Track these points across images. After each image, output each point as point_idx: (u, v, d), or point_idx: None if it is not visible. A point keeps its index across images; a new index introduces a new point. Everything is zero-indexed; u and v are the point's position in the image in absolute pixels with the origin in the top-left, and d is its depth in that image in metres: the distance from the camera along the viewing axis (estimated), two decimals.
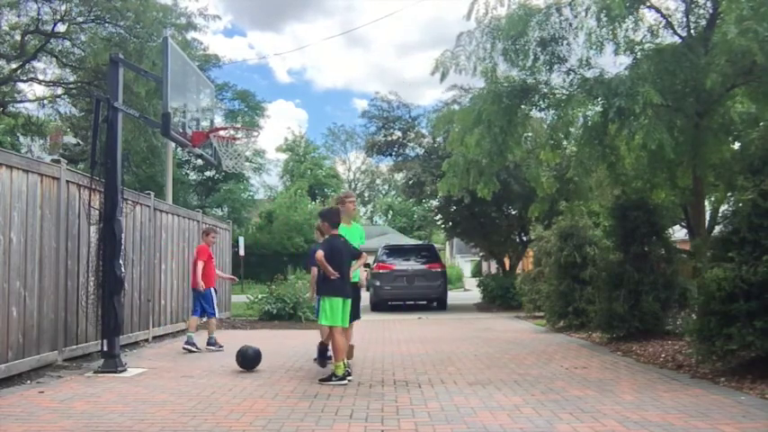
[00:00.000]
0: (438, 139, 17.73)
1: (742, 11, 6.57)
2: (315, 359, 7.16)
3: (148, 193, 10.29)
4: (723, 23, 6.90)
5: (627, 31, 8.14)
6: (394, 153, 20.28)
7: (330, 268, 6.19)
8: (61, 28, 17.53)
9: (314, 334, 11.44)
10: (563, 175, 11.39)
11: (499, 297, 18.01)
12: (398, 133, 19.99)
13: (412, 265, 17.84)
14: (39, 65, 18.88)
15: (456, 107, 12.80)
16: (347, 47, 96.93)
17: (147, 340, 9.75)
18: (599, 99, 7.83)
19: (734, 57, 6.69)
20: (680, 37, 8.41)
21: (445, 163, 10.28)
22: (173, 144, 18.19)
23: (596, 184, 10.81)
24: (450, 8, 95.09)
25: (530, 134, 10.15)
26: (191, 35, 19.69)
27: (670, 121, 7.55)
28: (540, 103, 9.16)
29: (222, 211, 37.70)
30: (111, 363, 7.02)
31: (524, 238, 19.21)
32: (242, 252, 25.13)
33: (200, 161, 34.02)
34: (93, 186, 7.53)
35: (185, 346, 8.79)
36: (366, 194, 65.77)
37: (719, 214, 9.27)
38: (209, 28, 19.61)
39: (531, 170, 9.90)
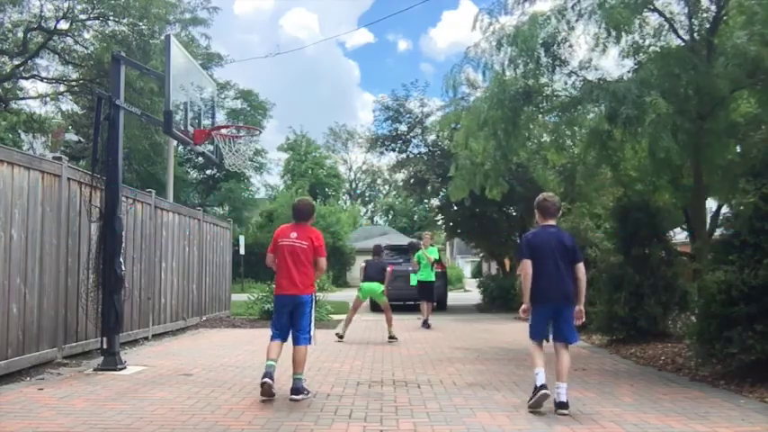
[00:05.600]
0: (440, 136, 17.68)
1: (754, 14, 6.57)
2: None
3: (149, 191, 10.29)
4: (731, 23, 6.90)
5: (631, 34, 8.14)
6: (397, 149, 20.19)
7: None
8: (64, 25, 17.56)
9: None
10: (568, 176, 11.40)
11: (499, 298, 18.00)
12: (404, 128, 19.88)
13: (412, 265, 17.82)
14: (41, 62, 18.94)
15: (464, 103, 12.80)
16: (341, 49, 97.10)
17: (146, 338, 9.74)
18: (603, 107, 7.83)
19: (742, 60, 6.69)
20: (683, 40, 8.40)
21: (453, 167, 10.27)
22: (174, 142, 18.24)
23: (599, 184, 10.81)
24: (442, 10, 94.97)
25: (535, 134, 10.14)
26: (198, 30, 19.76)
27: (674, 125, 7.55)
28: (543, 105, 9.16)
29: (223, 209, 37.67)
30: (111, 360, 7.02)
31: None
32: (242, 251, 25.13)
33: (201, 159, 34.06)
34: (95, 184, 7.53)
35: None
36: (367, 194, 65.73)
37: (720, 217, 9.27)
38: (213, 21, 19.45)
39: (538, 171, 9.94)
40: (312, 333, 5.73)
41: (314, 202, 6.22)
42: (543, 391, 4.93)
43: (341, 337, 10.19)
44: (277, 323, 5.75)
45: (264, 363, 5.59)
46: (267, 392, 5.43)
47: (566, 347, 5.12)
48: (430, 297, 12.90)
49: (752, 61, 6.63)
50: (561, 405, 4.90)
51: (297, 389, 5.53)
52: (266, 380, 5.38)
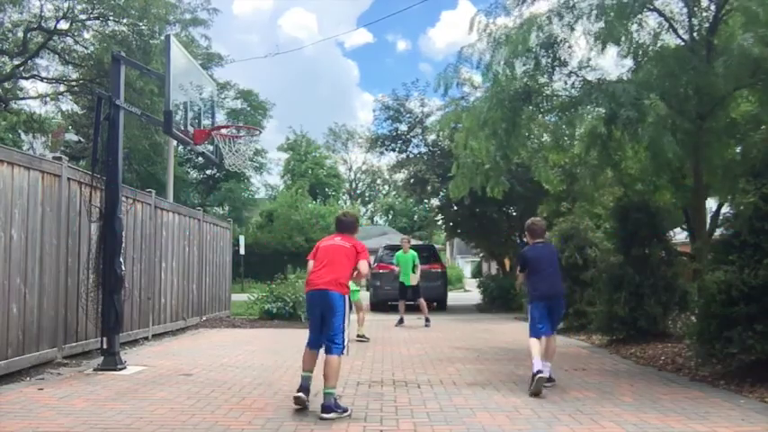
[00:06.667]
0: (441, 136, 17.64)
1: (756, 14, 6.56)
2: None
3: (149, 191, 10.29)
4: (730, 23, 6.89)
5: (630, 34, 8.14)
6: (397, 149, 20.15)
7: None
8: (64, 25, 17.56)
9: None
10: (569, 175, 11.42)
11: (499, 298, 18.00)
12: (404, 128, 19.82)
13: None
14: (41, 62, 18.93)
15: (464, 103, 12.81)
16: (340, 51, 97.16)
17: (146, 338, 9.74)
18: (602, 108, 7.83)
19: (745, 61, 6.68)
20: (682, 40, 8.40)
21: (454, 165, 10.27)
22: (174, 142, 18.25)
23: (600, 184, 10.82)
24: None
25: (535, 134, 10.14)
26: (198, 30, 19.77)
27: (673, 124, 7.55)
28: (543, 105, 9.16)
29: (223, 209, 37.69)
30: (111, 360, 7.02)
31: (525, 240, 19.17)
32: (242, 251, 25.13)
33: (201, 159, 34.06)
34: (95, 184, 7.54)
35: None
36: (367, 194, 65.69)
37: (720, 217, 9.28)
38: (213, 22, 19.47)
39: (540, 170, 9.96)
40: (346, 342, 5.16)
41: (358, 216, 5.90)
42: (539, 376, 5.75)
43: None
44: (311, 326, 5.33)
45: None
46: (299, 403, 5.06)
47: (553, 336, 6.33)
48: (407, 296, 13.24)
49: (754, 62, 6.63)
50: (548, 380, 6.00)
51: (327, 406, 4.89)
52: (300, 394, 5.03)
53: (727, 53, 6.83)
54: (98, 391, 5.82)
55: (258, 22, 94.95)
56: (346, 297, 5.22)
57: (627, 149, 9.08)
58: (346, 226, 5.61)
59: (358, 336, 10.20)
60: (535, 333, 6.16)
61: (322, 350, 5.18)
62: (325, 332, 5.14)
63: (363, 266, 5.31)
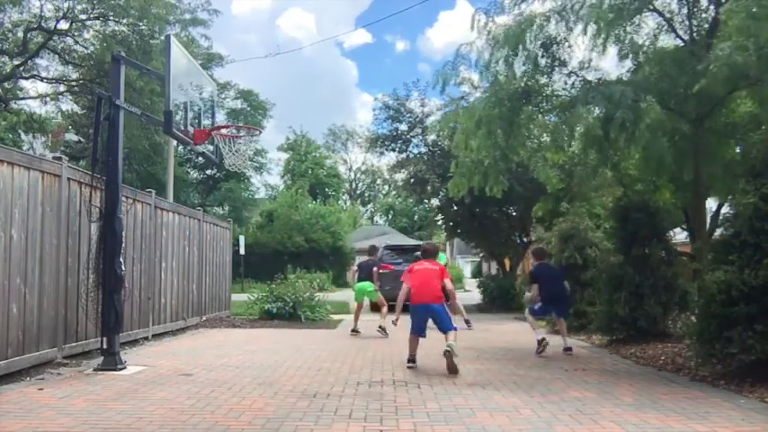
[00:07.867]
0: (441, 136, 17.62)
1: (751, 15, 6.54)
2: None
3: (149, 191, 10.29)
4: (730, 23, 6.88)
5: (629, 34, 8.13)
6: (397, 149, 20.13)
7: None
8: (64, 25, 17.58)
9: (312, 333, 11.44)
10: (569, 174, 11.40)
11: (499, 298, 18.00)
12: (404, 127, 19.78)
13: None
14: (41, 62, 18.96)
15: (464, 103, 12.77)
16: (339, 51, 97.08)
17: (146, 338, 9.74)
18: (598, 109, 7.81)
19: (733, 66, 6.68)
20: (682, 40, 8.39)
21: (453, 164, 10.26)
22: (174, 142, 18.25)
23: (599, 184, 10.82)
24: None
25: (534, 134, 10.12)
26: (198, 30, 19.79)
27: (673, 128, 7.53)
28: (543, 105, 9.15)
29: (223, 209, 37.67)
30: (111, 360, 7.02)
31: (525, 240, 19.22)
32: (242, 251, 25.13)
33: (201, 159, 34.07)
34: (95, 184, 7.53)
35: None
36: (367, 194, 65.69)
37: (720, 217, 9.27)
38: (213, 22, 19.55)
39: (539, 169, 9.96)
40: (452, 322, 7.39)
41: (438, 245, 9.38)
42: (545, 342, 8.35)
43: (356, 331, 10.99)
44: (416, 326, 7.44)
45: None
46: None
47: (562, 320, 8.81)
48: None
49: (740, 70, 6.63)
50: (566, 349, 8.42)
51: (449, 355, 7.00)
52: (410, 364, 7.36)
53: (716, 60, 6.80)
54: (98, 391, 5.81)
55: (257, 23, 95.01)
56: (444, 304, 7.38)
57: (625, 150, 9.07)
58: (430, 253, 7.95)
59: (379, 327, 10.65)
60: (534, 312, 8.78)
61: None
62: (440, 325, 7.31)
63: (448, 283, 7.45)
